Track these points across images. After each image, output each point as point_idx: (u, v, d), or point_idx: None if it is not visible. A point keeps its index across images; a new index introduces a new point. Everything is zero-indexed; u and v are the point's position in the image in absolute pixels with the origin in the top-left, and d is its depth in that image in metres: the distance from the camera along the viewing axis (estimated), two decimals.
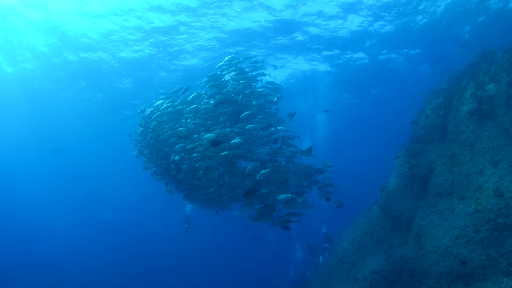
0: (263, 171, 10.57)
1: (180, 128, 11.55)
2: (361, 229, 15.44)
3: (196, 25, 19.87)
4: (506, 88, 10.62)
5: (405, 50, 23.10)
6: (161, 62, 24.38)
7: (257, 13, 18.60)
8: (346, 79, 27.29)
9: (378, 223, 14.44)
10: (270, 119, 11.80)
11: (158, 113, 12.36)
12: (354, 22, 19.61)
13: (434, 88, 14.34)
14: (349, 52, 23.29)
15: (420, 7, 18.09)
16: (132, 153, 14.19)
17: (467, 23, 19.23)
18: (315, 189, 11.99)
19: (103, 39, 21.34)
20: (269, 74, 12.69)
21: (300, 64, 25.06)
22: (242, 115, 11.26)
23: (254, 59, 12.75)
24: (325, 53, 23.26)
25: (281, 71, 25.16)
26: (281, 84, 13.02)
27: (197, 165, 11.06)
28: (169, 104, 12.42)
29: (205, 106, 11.67)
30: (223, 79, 12.17)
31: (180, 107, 12.36)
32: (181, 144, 11.23)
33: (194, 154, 10.96)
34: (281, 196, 10.74)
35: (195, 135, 11.28)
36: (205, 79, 12.16)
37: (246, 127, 11.08)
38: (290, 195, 10.76)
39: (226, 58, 12.51)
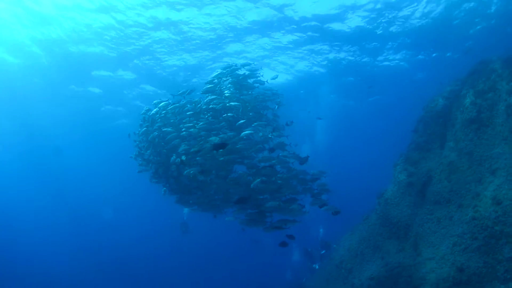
0: (257, 180, 10.60)
1: (192, 129, 11.45)
2: (358, 236, 15.46)
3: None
4: (505, 96, 10.71)
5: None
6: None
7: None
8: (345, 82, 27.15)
9: (376, 230, 14.46)
10: (267, 127, 11.82)
11: (163, 112, 12.31)
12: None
13: (433, 96, 14.43)
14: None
15: None
16: (130, 156, 14.12)
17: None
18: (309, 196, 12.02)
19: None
20: (266, 81, 12.74)
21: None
22: (237, 123, 11.30)
23: (251, 65, 12.79)
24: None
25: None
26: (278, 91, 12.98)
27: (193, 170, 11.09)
28: (174, 105, 12.43)
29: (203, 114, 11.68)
30: (219, 87, 12.13)
31: (188, 106, 12.36)
32: (186, 147, 11.18)
33: (198, 158, 10.94)
34: (269, 204, 10.85)
35: (198, 138, 11.25)
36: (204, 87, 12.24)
37: (246, 132, 11.09)
38: (277, 203, 10.83)
39: (223, 66, 12.51)
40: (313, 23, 19.39)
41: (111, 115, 33.19)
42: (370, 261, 13.84)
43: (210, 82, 12.17)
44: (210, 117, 11.66)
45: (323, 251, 19.44)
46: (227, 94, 11.72)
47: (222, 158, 11.00)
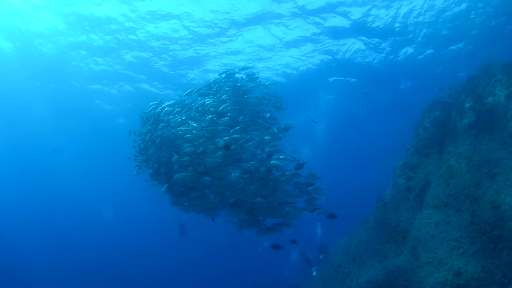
0: (252, 186, 10.62)
1: (195, 131, 11.42)
2: (356, 240, 15.45)
3: None
4: (504, 101, 10.76)
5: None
6: None
7: None
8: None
9: (374, 234, 14.46)
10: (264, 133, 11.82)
11: (170, 109, 12.30)
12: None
13: (433, 101, 14.48)
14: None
15: None
16: (127, 157, 13.94)
17: None
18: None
19: None
20: (267, 85, 12.73)
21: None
22: (232, 130, 11.29)
23: (249, 70, 12.78)
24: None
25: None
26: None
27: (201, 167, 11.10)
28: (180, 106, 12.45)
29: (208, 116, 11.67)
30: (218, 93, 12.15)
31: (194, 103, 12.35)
32: (191, 148, 11.12)
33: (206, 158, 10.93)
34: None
35: (202, 139, 11.23)
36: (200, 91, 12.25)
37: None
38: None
39: (221, 71, 12.51)
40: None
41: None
42: (368, 265, 13.83)
43: (208, 86, 12.18)
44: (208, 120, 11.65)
45: (321, 256, 19.39)
46: (224, 98, 11.74)
47: (219, 160, 10.99)
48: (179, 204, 12.94)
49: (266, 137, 11.60)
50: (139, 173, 13.60)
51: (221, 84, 12.40)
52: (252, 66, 13.17)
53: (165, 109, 12.44)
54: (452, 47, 21.11)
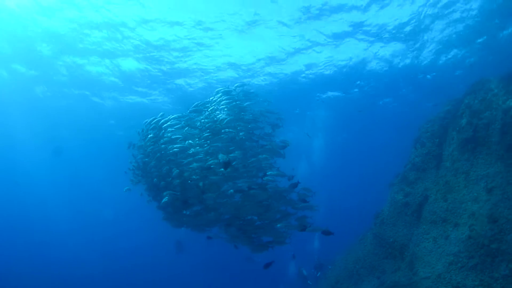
0: (246, 205, 10.58)
1: (198, 147, 11.38)
2: (354, 256, 15.31)
3: None
4: (501, 115, 10.79)
5: None
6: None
7: None
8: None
9: (372, 250, 14.35)
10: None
11: (174, 121, 12.23)
12: None
13: (430, 117, 14.54)
14: None
15: None
16: (124, 171, 13.73)
17: None
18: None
19: None
20: (268, 101, 12.76)
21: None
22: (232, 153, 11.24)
23: (245, 87, 12.80)
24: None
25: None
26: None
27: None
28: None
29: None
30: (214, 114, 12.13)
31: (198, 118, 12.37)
32: (198, 163, 11.06)
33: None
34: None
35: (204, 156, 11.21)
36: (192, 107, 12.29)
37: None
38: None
39: (218, 89, 12.48)
40: None
41: None
42: (366, 281, 13.66)
43: (203, 105, 12.21)
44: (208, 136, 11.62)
45: (318, 273, 19.16)
46: (219, 116, 11.71)
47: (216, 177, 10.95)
48: (172, 220, 12.75)
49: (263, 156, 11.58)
50: (130, 189, 13.48)
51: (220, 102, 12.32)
52: (249, 82, 13.18)
53: (168, 122, 12.29)
54: None
